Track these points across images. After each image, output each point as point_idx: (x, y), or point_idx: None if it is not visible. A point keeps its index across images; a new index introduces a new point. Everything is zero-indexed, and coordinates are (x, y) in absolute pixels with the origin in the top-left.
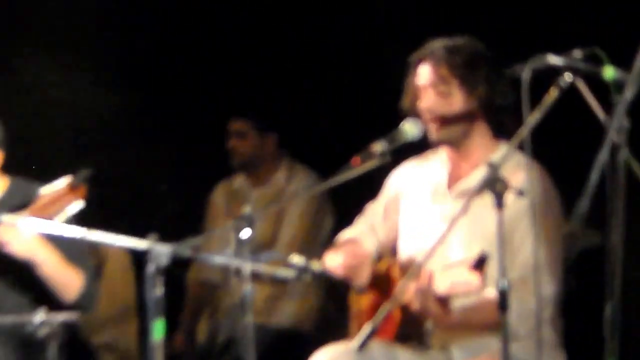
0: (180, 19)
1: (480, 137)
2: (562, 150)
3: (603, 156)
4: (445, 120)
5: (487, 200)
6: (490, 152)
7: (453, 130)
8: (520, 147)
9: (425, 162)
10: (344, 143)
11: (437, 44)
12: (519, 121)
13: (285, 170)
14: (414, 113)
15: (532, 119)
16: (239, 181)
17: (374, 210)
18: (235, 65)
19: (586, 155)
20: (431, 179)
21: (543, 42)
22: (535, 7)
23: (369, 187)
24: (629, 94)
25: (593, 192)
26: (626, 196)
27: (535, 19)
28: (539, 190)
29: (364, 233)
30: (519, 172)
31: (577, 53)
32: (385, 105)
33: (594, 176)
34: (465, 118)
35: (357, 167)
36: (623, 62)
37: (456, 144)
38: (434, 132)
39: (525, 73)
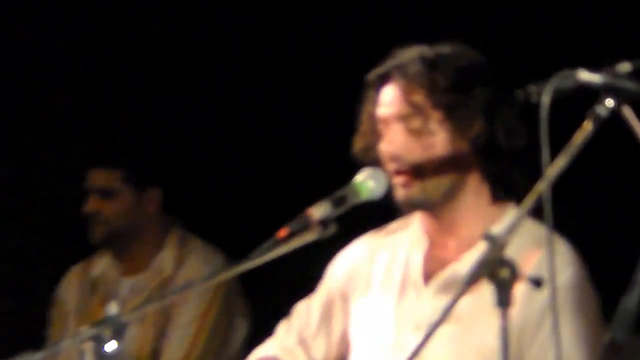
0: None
1: (474, 198)
2: (600, 218)
3: None
4: (419, 173)
5: (485, 296)
6: (489, 222)
7: (432, 187)
8: (537, 212)
9: (389, 237)
10: (265, 206)
11: (410, 54)
12: (534, 173)
13: (173, 248)
14: (373, 160)
15: (555, 168)
16: (102, 265)
17: (305, 314)
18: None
19: (636, 226)
20: (398, 265)
21: (571, 52)
22: (559, 3)
23: (302, 274)
24: None
25: None
26: None
27: (559, 19)
28: (566, 280)
29: (287, 351)
30: (535, 251)
31: (624, 66)
32: (329, 147)
33: None
34: (451, 169)
35: (286, 243)
36: None
37: (437, 210)
38: (401, 191)
39: (545, 97)
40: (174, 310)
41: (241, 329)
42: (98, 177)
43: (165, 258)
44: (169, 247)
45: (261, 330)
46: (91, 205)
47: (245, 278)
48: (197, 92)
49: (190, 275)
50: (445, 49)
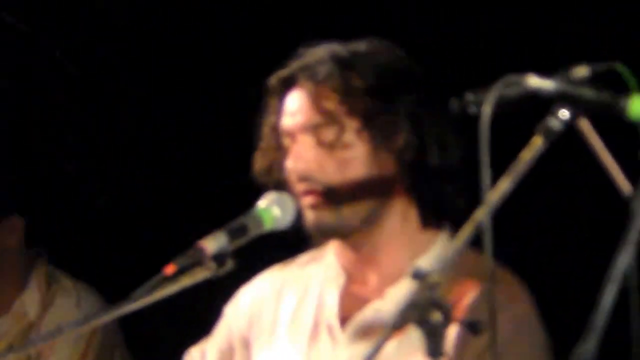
0: None
1: (399, 223)
2: (551, 247)
3: (624, 260)
4: (334, 194)
5: (412, 340)
6: (417, 251)
7: (349, 211)
8: (476, 242)
9: (298, 271)
10: (150, 238)
11: (319, 53)
12: (471, 193)
13: (39, 287)
14: (278, 182)
15: (497, 191)
16: None
17: None
18: None
19: (593, 258)
20: (309, 305)
21: (519, 55)
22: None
23: (195, 316)
24: None
25: (603, 327)
26: None
27: (505, 16)
28: (510, 319)
29: None
30: (472, 286)
31: (581, 71)
32: (227, 168)
33: (607, 297)
34: (372, 190)
35: (174, 281)
36: None
37: (355, 238)
38: (312, 214)
39: (486, 107)
40: None
41: None
42: None
43: (29, 299)
44: (33, 287)
45: None
46: None
47: (126, 323)
48: (70, 111)
49: (59, 319)
50: (361, 46)
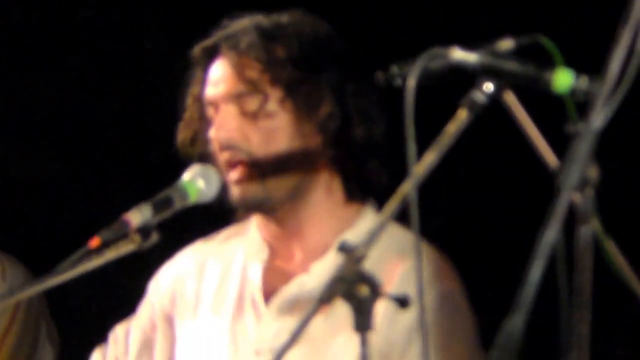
0: None
1: (324, 197)
2: (477, 222)
3: (551, 235)
4: (258, 166)
5: (340, 314)
6: (342, 225)
7: (274, 184)
8: (401, 215)
9: (220, 246)
10: (75, 211)
11: (242, 24)
12: (395, 166)
13: None
14: (201, 154)
15: (422, 165)
16: None
17: (123, 340)
18: None
19: (519, 231)
20: (232, 280)
21: (443, 28)
22: None
23: (120, 291)
24: (599, 119)
25: (531, 302)
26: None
27: None
28: (437, 296)
29: None
30: (399, 261)
31: (506, 44)
32: (151, 140)
33: (535, 272)
34: (296, 162)
35: (99, 254)
36: (588, 62)
37: (279, 212)
38: (236, 189)
39: (411, 80)
40: None
41: (47, 357)
42: None
43: None
44: None
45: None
46: None
47: (52, 296)
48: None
49: None
50: (285, 17)
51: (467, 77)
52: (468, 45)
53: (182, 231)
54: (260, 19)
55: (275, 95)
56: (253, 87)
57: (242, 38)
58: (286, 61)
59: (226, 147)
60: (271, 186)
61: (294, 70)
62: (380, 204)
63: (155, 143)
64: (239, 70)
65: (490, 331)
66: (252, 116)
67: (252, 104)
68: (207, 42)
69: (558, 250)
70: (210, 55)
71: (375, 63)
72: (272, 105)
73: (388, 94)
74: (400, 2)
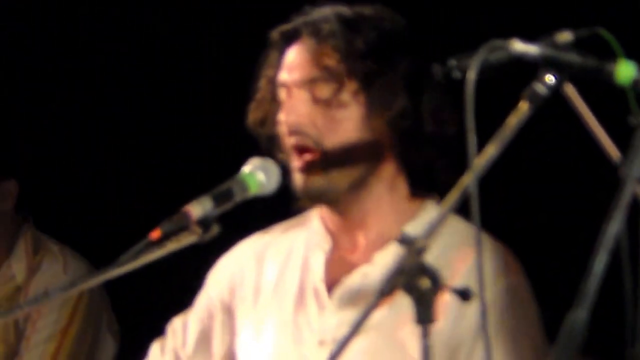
0: None
1: (387, 190)
2: (540, 215)
3: (614, 227)
4: (322, 155)
5: (404, 305)
6: (405, 218)
7: (338, 175)
8: (463, 209)
9: (281, 237)
10: (136, 203)
11: (324, 12)
12: (459, 161)
13: (26, 253)
14: (270, 135)
15: (483, 157)
16: None
17: (181, 332)
18: None
19: (582, 223)
20: (294, 270)
21: (504, 21)
22: None
23: (180, 283)
24: None
25: (595, 294)
26: None
27: None
28: (500, 291)
29: None
30: (464, 255)
31: (565, 36)
32: (212, 133)
33: (598, 264)
34: (362, 154)
35: (160, 246)
36: None
37: (343, 203)
38: (300, 178)
39: (471, 73)
40: (27, 325)
41: (108, 348)
42: None
43: (17, 263)
44: (20, 251)
45: (132, 350)
46: None
47: (112, 288)
48: (60, 81)
49: (46, 284)
50: (366, 10)
51: (524, 69)
52: (523, 37)
53: (242, 224)
54: (341, 8)
55: (350, 86)
56: (329, 75)
57: (323, 25)
58: (364, 53)
59: (294, 131)
60: (335, 177)
61: (371, 63)
62: (441, 196)
63: (218, 137)
64: (316, 57)
65: (554, 324)
66: (324, 103)
67: (326, 91)
68: (287, 26)
69: (622, 242)
70: (289, 39)
71: (444, 52)
72: (346, 95)
73: (457, 90)
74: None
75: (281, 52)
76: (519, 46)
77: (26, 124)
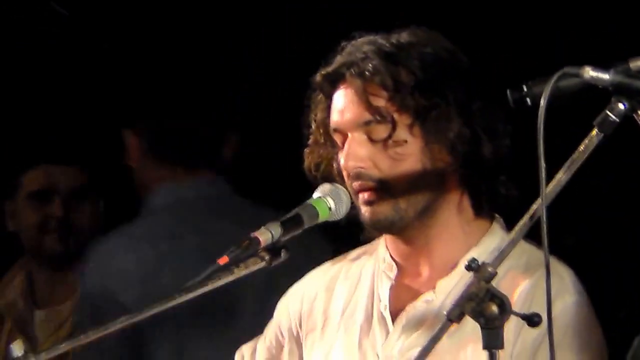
0: None
1: (453, 215)
2: (606, 240)
3: None
4: (389, 189)
5: (468, 329)
6: (470, 241)
7: (405, 205)
8: (531, 234)
9: (350, 266)
10: None
11: (363, 47)
12: (525, 186)
13: None
14: (328, 176)
15: (554, 183)
16: (12, 291)
17: None
18: None
19: None
20: (361, 298)
21: (569, 46)
22: None
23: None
24: None
25: None
26: None
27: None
28: (565, 309)
29: None
30: (522, 277)
31: (638, 63)
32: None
33: None
34: (426, 183)
35: (226, 273)
36: None
37: (409, 231)
38: (367, 210)
39: (543, 99)
40: None
41: None
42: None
43: None
44: None
45: None
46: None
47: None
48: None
49: None
50: (404, 36)
51: (593, 96)
52: (594, 63)
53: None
54: (380, 41)
55: (403, 122)
56: (380, 116)
57: (365, 64)
58: (412, 87)
59: (356, 176)
60: (402, 207)
61: (420, 95)
62: (510, 220)
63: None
64: (364, 98)
65: (620, 349)
66: (381, 143)
67: (381, 131)
68: (329, 68)
69: None
70: (333, 81)
71: (498, 78)
72: (401, 132)
73: (515, 109)
74: (522, 20)
75: (327, 95)
76: (592, 73)
77: None
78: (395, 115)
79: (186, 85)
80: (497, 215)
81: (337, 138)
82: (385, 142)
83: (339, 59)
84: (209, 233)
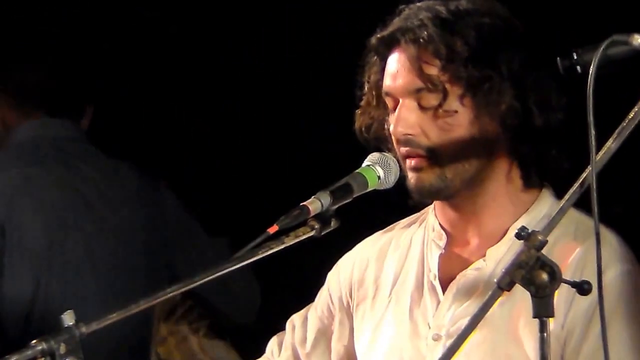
0: None
1: (502, 185)
2: None
3: None
4: (437, 156)
5: (519, 298)
6: (519, 211)
7: (452, 173)
8: (582, 202)
9: (400, 234)
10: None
11: (420, 13)
12: (576, 155)
13: None
14: (379, 138)
15: (604, 152)
16: None
17: (301, 329)
18: None
19: None
20: (412, 266)
21: (620, 13)
22: None
23: (298, 278)
24: None
25: None
26: None
27: None
28: (616, 277)
29: None
30: (574, 245)
31: None
32: (328, 128)
33: None
34: (475, 152)
35: (277, 242)
36: None
37: (457, 199)
38: (415, 176)
39: (592, 66)
40: None
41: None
42: None
43: None
44: None
45: (252, 345)
46: None
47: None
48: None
49: None
50: (462, 3)
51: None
52: (630, 31)
53: (362, 220)
54: (437, 7)
55: (455, 92)
56: (432, 85)
57: (420, 31)
58: (466, 57)
59: (405, 142)
60: (449, 175)
61: (473, 66)
62: (559, 189)
63: (335, 131)
64: (417, 66)
65: None
66: (432, 111)
67: (432, 99)
68: (384, 32)
69: None
70: (388, 45)
71: (553, 47)
72: (452, 102)
73: (568, 78)
74: None
75: (382, 58)
76: None
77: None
78: (447, 85)
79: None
80: (546, 184)
81: (389, 102)
82: (435, 110)
83: (395, 23)
84: (70, 166)
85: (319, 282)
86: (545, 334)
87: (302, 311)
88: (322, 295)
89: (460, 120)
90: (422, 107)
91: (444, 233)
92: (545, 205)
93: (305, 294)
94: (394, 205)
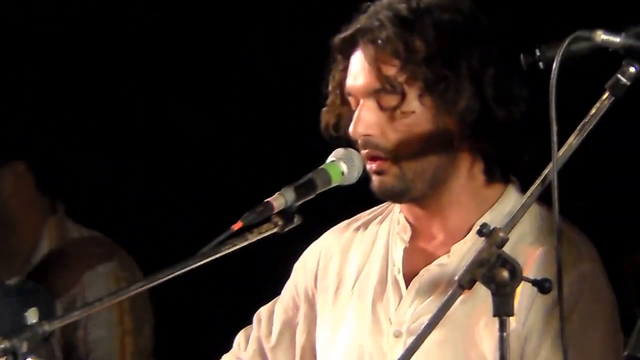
0: None
1: (465, 181)
2: (619, 203)
3: None
4: (395, 159)
5: (480, 296)
6: (483, 206)
7: (413, 174)
8: (543, 197)
9: (364, 227)
10: (210, 189)
11: (379, 13)
12: (538, 149)
13: (50, 243)
14: (346, 136)
15: (566, 148)
16: None
17: (266, 322)
18: None
19: None
20: (375, 261)
21: (582, 9)
22: None
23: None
24: None
25: None
26: None
27: None
28: (578, 276)
29: None
30: (538, 243)
31: None
32: (293, 124)
33: None
34: (435, 150)
35: (241, 238)
36: None
37: (422, 199)
38: (377, 179)
39: (555, 62)
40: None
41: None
42: None
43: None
44: (44, 241)
45: (219, 341)
46: None
47: (197, 279)
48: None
49: (96, 290)
50: (422, 1)
51: (605, 60)
52: (605, 27)
53: (326, 213)
54: (398, 5)
55: (413, 92)
56: (390, 86)
57: (379, 32)
58: (424, 57)
59: (364, 143)
60: (409, 175)
61: (432, 66)
62: (524, 183)
63: (300, 128)
64: (376, 67)
65: (630, 316)
66: (390, 112)
67: (390, 100)
68: (345, 33)
69: None
70: (350, 45)
71: (517, 40)
72: (410, 103)
73: (529, 73)
74: None
75: (346, 57)
76: (603, 37)
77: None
78: (405, 86)
79: None
80: (513, 179)
81: (352, 102)
82: (394, 111)
83: (356, 23)
84: None
85: (287, 274)
86: (505, 333)
87: (269, 304)
88: (288, 287)
89: (419, 120)
90: (381, 108)
91: (409, 226)
92: (510, 200)
93: (273, 287)
94: (360, 198)
